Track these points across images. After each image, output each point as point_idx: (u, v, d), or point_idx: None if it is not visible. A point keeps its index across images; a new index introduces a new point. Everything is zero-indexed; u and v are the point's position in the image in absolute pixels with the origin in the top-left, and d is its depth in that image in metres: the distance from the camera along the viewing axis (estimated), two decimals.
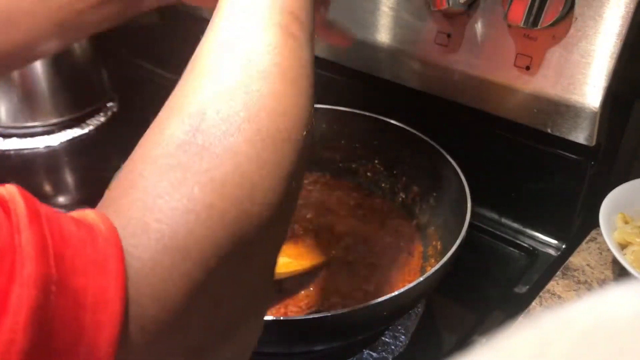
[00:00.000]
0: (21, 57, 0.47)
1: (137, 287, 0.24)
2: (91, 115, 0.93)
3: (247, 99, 0.28)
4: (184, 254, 0.25)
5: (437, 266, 0.50)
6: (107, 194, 0.27)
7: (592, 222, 0.66)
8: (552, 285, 0.64)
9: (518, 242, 0.73)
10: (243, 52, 0.30)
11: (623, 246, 0.62)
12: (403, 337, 0.59)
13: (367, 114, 0.73)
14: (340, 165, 0.77)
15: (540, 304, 0.62)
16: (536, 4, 0.56)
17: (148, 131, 0.29)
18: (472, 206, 0.57)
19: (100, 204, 0.27)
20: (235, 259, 0.27)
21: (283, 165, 0.29)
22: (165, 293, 0.25)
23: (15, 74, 0.84)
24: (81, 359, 0.22)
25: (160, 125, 0.29)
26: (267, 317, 0.45)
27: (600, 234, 0.61)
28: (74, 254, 0.23)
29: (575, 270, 0.66)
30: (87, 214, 0.26)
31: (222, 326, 0.28)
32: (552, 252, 0.71)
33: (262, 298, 0.32)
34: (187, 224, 0.25)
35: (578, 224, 0.71)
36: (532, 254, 0.71)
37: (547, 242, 0.72)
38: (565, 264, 0.67)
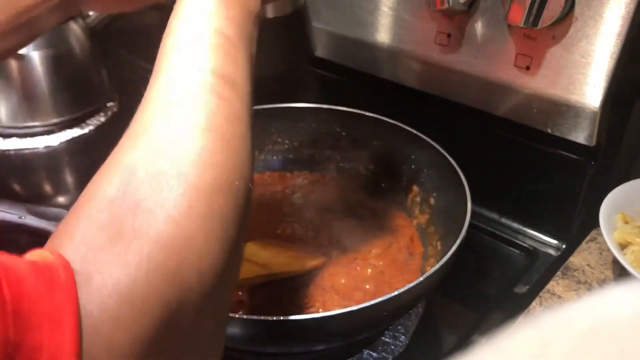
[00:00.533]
0: None
1: (89, 339, 0.24)
2: (91, 115, 0.93)
3: (177, 155, 0.30)
4: (129, 302, 0.26)
5: (437, 266, 0.50)
6: (53, 236, 0.28)
7: (592, 222, 0.66)
8: (552, 285, 0.64)
9: (518, 242, 0.73)
10: (175, 110, 0.32)
11: (623, 246, 0.62)
12: (403, 337, 0.59)
13: (367, 114, 0.73)
14: (340, 165, 0.77)
15: (540, 304, 0.62)
16: (536, 4, 0.56)
17: (89, 183, 0.30)
18: (472, 206, 0.57)
19: (49, 244, 0.28)
20: (182, 306, 0.28)
21: (219, 216, 0.30)
22: (116, 341, 0.25)
23: (15, 74, 0.84)
24: None
25: (97, 179, 0.30)
26: (267, 317, 0.46)
27: (600, 234, 0.61)
28: (31, 309, 0.23)
29: (575, 270, 0.66)
30: (46, 256, 0.26)
31: None
32: (552, 252, 0.71)
33: (216, 339, 0.33)
34: (129, 274, 0.26)
35: (578, 224, 0.71)
36: (532, 254, 0.71)
37: (547, 242, 0.72)
38: (565, 264, 0.67)
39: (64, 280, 0.25)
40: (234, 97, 0.34)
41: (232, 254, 0.31)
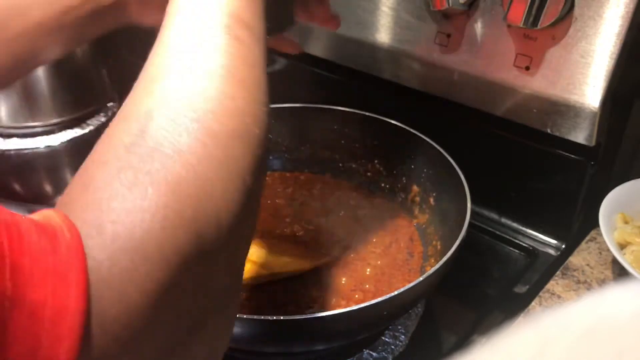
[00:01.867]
0: None
1: (97, 291, 0.24)
2: (91, 115, 0.93)
3: (194, 100, 0.29)
4: (142, 254, 0.25)
5: (437, 266, 0.50)
6: (61, 197, 0.27)
7: (592, 222, 0.66)
8: (552, 285, 0.64)
9: (518, 242, 0.73)
10: (190, 55, 0.31)
11: (623, 246, 0.62)
12: (403, 336, 0.59)
13: (367, 114, 0.73)
14: (340, 165, 0.77)
15: (540, 304, 0.62)
16: (536, 4, 0.56)
17: (101, 136, 0.29)
18: (472, 206, 0.57)
19: (57, 205, 0.27)
20: (197, 258, 0.27)
21: (237, 165, 0.29)
22: (127, 295, 0.24)
23: None
24: None
25: (111, 130, 0.29)
26: (267, 317, 0.46)
27: (600, 234, 0.61)
28: (33, 264, 0.22)
29: (575, 270, 0.66)
30: (50, 216, 0.25)
31: (188, 327, 0.28)
32: (552, 252, 0.71)
33: (230, 297, 0.32)
34: (143, 224, 0.25)
35: (578, 224, 0.71)
36: (532, 254, 0.71)
37: (547, 242, 0.72)
38: (565, 263, 0.67)
39: (69, 239, 0.24)
40: (252, 41, 0.33)
41: (249, 204, 0.30)
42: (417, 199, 0.71)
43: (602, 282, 0.64)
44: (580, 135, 0.63)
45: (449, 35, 0.67)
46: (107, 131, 0.29)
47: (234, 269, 0.31)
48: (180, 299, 0.27)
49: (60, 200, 0.27)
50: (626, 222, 0.65)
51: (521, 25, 0.58)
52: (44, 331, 0.22)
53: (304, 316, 0.48)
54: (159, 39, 0.32)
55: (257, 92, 0.32)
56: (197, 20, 0.32)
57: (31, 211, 0.61)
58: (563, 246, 0.71)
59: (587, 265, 0.67)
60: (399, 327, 0.60)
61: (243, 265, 0.33)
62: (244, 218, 0.30)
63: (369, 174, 0.76)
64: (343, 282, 0.61)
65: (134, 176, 0.26)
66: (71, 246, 0.24)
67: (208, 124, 0.28)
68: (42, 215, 0.25)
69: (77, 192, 0.26)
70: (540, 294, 0.63)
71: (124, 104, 0.30)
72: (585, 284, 0.64)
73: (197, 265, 0.27)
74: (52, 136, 0.89)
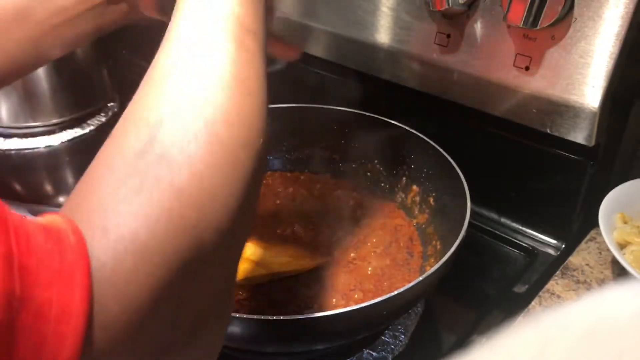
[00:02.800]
0: None
1: (100, 290, 0.24)
2: (92, 115, 0.93)
3: (205, 108, 0.29)
4: (145, 256, 0.25)
5: (437, 266, 0.50)
6: (67, 200, 0.28)
7: (592, 222, 0.66)
8: (551, 284, 0.64)
9: (518, 242, 0.73)
10: (201, 63, 0.31)
11: (622, 246, 0.63)
12: (403, 336, 0.59)
13: (367, 114, 0.73)
14: (340, 165, 0.78)
15: (540, 304, 0.62)
16: (535, 4, 0.56)
17: (108, 139, 0.29)
18: (472, 206, 0.58)
19: (62, 209, 0.27)
20: (198, 261, 0.28)
21: (241, 172, 0.30)
22: (129, 294, 0.25)
23: None
24: None
25: (119, 134, 0.29)
26: (267, 317, 0.46)
27: (600, 234, 0.61)
28: (40, 265, 0.23)
29: (574, 270, 0.66)
30: (55, 220, 0.26)
31: (185, 328, 0.28)
32: (551, 251, 0.71)
33: (225, 301, 0.33)
34: (148, 227, 0.26)
35: (577, 224, 0.71)
36: (532, 254, 0.71)
37: (547, 242, 0.72)
38: (564, 263, 0.67)
39: (73, 242, 0.24)
40: (257, 48, 0.33)
41: (248, 210, 0.31)
42: (417, 199, 0.71)
43: (602, 282, 0.65)
44: (580, 135, 0.63)
45: (448, 36, 0.67)
46: (116, 135, 0.29)
47: (229, 272, 0.32)
48: (179, 300, 0.27)
49: (66, 203, 0.28)
50: (626, 222, 0.65)
51: (521, 25, 0.58)
52: (49, 330, 0.23)
53: (304, 316, 0.48)
54: (164, 43, 0.32)
55: (262, 102, 0.33)
56: (205, 26, 0.32)
57: (32, 211, 0.62)
58: (563, 246, 0.71)
59: (587, 265, 0.67)
60: (399, 327, 0.60)
61: (237, 268, 0.34)
62: (242, 223, 0.31)
63: (369, 174, 0.76)
64: (343, 282, 0.61)
65: (141, 182, 0.26)
66: (75, 249, 0.24)
67: (216, 131, 0.29)
68: (48, 218, 0.26)
69: (83, 197, 0.27)
70: (540, 293, 0.63)
71: (131, 105, 0.30)
72: (585, 284, 0.64)
73: (197, 268, 0.28)
74: (52, 136, 0.89)
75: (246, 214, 0.31)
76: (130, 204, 0.26)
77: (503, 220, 0.75)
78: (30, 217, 0.25)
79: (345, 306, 0.53)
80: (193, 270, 0.27)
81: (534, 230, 0.73)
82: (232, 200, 0.29)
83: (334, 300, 0.59)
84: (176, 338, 0.28)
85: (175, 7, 0.33)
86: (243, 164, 0.30)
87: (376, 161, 0.75)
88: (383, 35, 0.73)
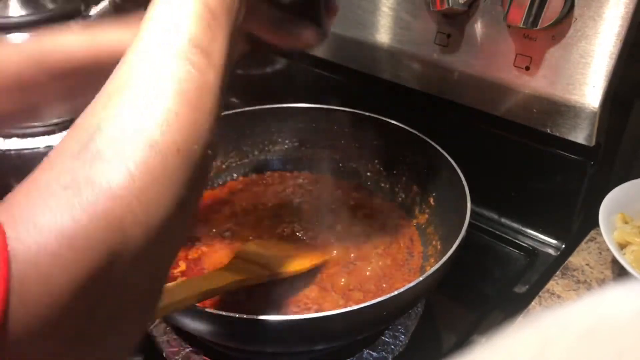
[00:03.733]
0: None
1: (21, 272, 0.26)
2: None
3: (143, 114, 0.32)
4: (71, 242, 0.27)
5: (437, 266, 0.50)
6: (8, 196, 0.29)
7: (592, 222, 0.66)
8: (551, 285, 0.64)
9: (518, 242, 0.73)
10: (147, 75, 0.34)
11: (622, 246, 0.63)
12: (403, 336, 0.59)
13: (367, 114, 0.73)
14: (340, 165, 0.78)
15: (540, 304, 0.62)
16: (536, 4, 0.56)
17: (59, 142, 0.31)
18: (472, 206, 0.58)
19: (1, 204, 0.29)
20: (122, 255, 0.29)
21: (173, 176, 0.32)
22: (52, 277, 0.26)
23: None
24: None
25: (64, 139, 0.31)
26: (268, 317, 0.46)
27: (600, 234, 0.61)
28: None
29: (574, 270, 0.66)
30: None
31: (105, 316, 0.30)
32: (551, 252, 0.71)
33: (149, 299, 0.34)
34: (74, 217, 0.27)
35: (578, 224, 0.71)
36: (532, 254, 0.71)
37: (547, 242, 0.72)
38: (564, 263, 0.67)
39: None
40: (207, 68, 0.36)
41: (181, 215, 0.33)
42: (417, 199, 0.71)
43: (602, 282, 0.65)
44: (580, 135, 0.63)
45: (448, 36, 0.67)
46: (61, 140, 0.31)
47: (157, 273, 0.34)
48: (101, 289, 0.29)
49: (5, 199, 0.29)
50: (626, 222, 0.65)
51: (521, 25, 0.58)
52: None
53: (304, 316, 0.48)
54: (122, 59, 0.35)
55: (204, 114, 0.35)
56: (162, 41, 0.35)
57: None
58: (563, 246, 0.71)
59: (587, 265, 0.67)
60: (399, 327, 0.60)
61: (168, 272, 0.35)
62: (174, 227, 0.32)
63: (369, 174, 0.76)
64: (343, 282, 0.61)
65: (72, 178, 0.28)
66: None
67: (152, 136, 0.31)
68: None
69: (20, 193, 0.29)
70: (540, 294, 0.63)
71: (83, 113, 0.33)
72: (585, 284, 0.64)
73: (121, 262, 0.29)
74: (52, 136, 0.89)
75: (179, 218, 0.32)
76: (59, 197, 0.28)
77: (503, 220, 0.75)
78: None
79: (345, 306, 0.53)
80: (118, 264, 0.29)
81: (534, 231, 0.73)
82: (162, 200, 0.31)
83: (334, 300, 0.59)
84: (96, 325, 0.29)
85: (142, 26, 0.36)
86: (176, 168, 0.32)
87: (376, 161, 0.75)
88: (383, 35, 0.73)
